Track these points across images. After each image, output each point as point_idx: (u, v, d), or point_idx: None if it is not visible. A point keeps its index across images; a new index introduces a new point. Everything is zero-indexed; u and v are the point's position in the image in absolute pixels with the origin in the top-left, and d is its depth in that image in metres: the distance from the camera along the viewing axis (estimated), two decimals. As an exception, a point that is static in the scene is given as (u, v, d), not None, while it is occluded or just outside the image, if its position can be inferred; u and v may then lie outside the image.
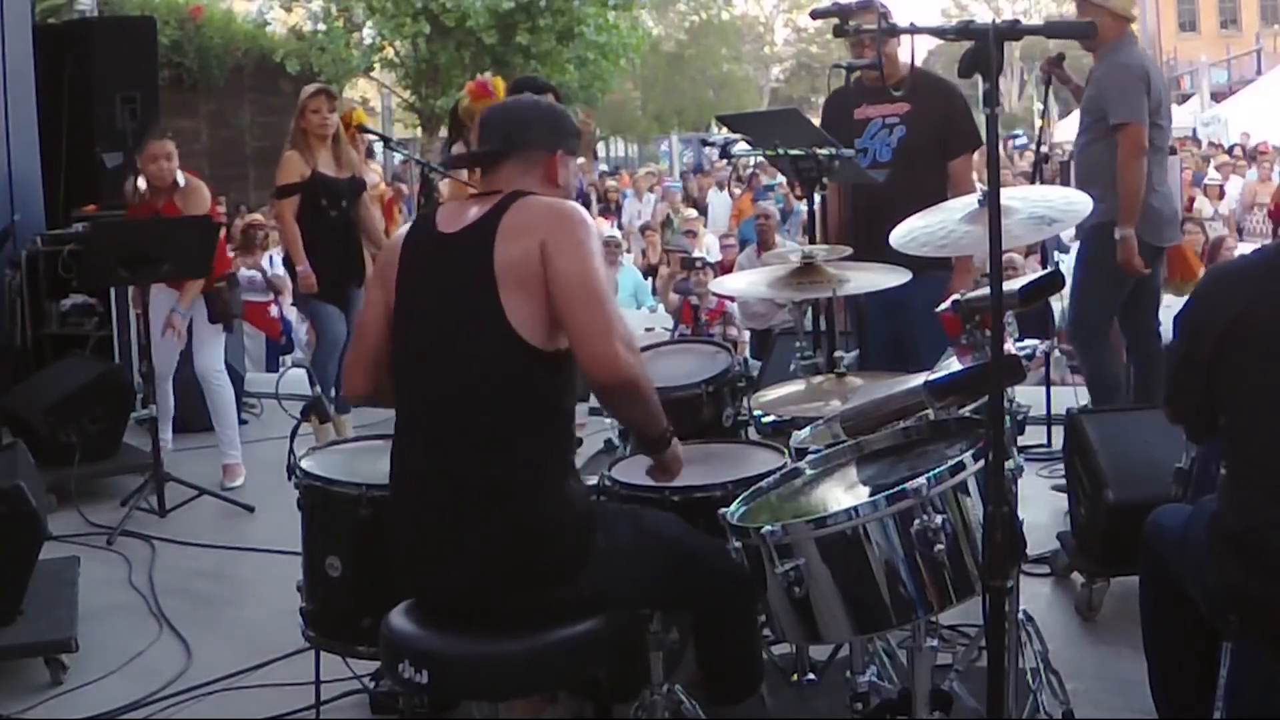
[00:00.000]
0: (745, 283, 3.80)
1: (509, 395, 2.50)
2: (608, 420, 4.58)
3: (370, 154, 7.04)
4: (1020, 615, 2.94)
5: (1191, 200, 12.87)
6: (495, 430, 2.50)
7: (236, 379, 7.26)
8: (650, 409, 2.58)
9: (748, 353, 8.61)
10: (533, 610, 2.50)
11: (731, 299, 9.22)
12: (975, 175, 5.26)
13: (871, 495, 2.43)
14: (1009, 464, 2.40)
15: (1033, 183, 6.42)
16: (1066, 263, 8.52)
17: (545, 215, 2.55)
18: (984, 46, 2.22)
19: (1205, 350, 2.49)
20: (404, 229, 2.80)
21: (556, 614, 2.49)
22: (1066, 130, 16.61)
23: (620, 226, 14.62)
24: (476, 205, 2.62)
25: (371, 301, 2.78)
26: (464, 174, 4.54)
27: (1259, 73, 26.96)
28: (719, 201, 16.05)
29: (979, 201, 2.81)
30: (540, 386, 2.53)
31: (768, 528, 2.37)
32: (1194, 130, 20.89)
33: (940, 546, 2.31)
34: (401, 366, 2.66)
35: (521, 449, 2.50)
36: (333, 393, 5.58)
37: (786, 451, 3.03)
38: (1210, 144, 19.41)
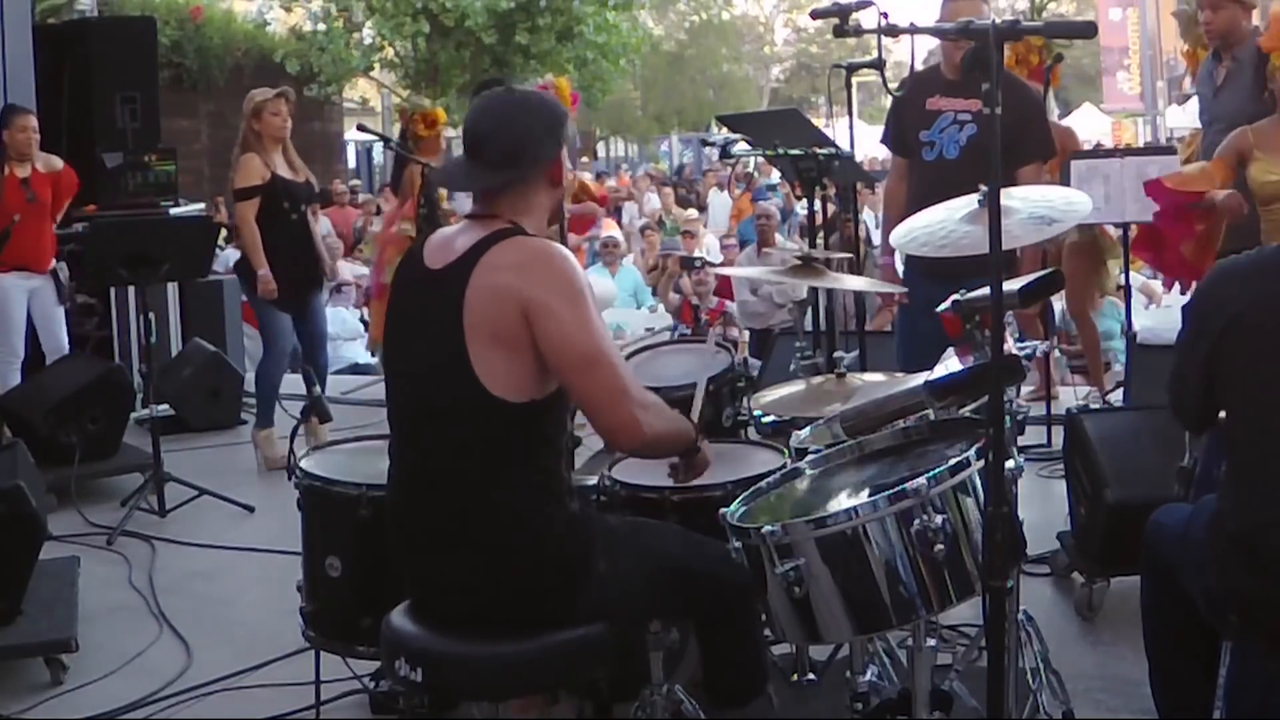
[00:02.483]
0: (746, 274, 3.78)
1: (485, 450, 2.44)
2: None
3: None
4: (1020, 615, 2.94)
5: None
6: (477, 481, 2.45)
7: (236, 379, 7.26)
8: (676, 441, 2.60)
9: (748, 353, 8.61)
10: (537, 630, 2.48)
11: (731, 298, 9.23)
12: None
13: (871, 495, 2.43)
14: (1009, 464, 2.39)
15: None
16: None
17: (525, 268, 2.40)
18: (984, 46, 2.22)
19: (1206, 344, 2.49)
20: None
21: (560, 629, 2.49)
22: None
23: (620, 227, 14.60)
24: (467, 234, 2.52)
25: None
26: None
27: (1259, 73, 26.88)
28: (719, 201, 16.03)
29: (979, 201, 2.81)
30: (519, 438, 2.45)
31: (768, 528, 2.37)
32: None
33: (940, 546, 2.31)
34: (388, 406, 2.63)
35: (507, 495, 2.45)
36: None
37: (786, 451, 3.03)
38: (1212, 144, 19.36)
